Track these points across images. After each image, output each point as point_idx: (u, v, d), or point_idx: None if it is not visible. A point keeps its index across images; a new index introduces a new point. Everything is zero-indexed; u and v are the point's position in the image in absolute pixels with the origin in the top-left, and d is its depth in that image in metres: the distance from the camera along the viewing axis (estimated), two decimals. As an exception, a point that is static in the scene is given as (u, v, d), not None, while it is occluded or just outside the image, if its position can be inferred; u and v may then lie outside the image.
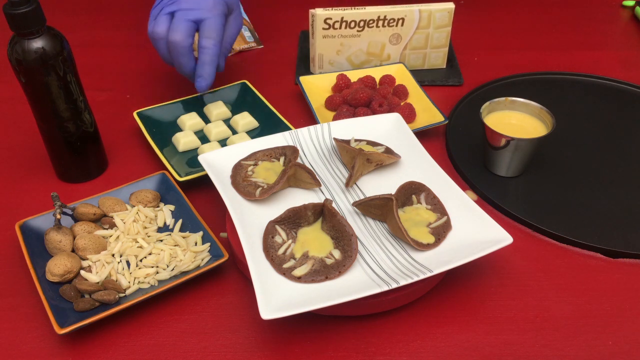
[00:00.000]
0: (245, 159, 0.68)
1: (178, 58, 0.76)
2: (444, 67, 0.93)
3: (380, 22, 0.86)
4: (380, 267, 0.57)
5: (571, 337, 0.57)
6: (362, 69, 0.88)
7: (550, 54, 0.98)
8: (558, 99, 0.86)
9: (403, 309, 0.59)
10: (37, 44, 0.62)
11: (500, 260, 0.64)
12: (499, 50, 0.99)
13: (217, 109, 0.81)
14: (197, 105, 0.83)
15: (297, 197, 0.65)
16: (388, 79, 0.86)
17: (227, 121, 0.81)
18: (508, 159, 0.71)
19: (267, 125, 0.79)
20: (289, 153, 0.68)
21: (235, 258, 0.62)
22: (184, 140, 0.76)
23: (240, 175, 0.66)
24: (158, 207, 0.68)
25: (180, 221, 0.66)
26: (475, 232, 0.60)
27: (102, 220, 0.66)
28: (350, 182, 0.66)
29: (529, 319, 0.58)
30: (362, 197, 0.66)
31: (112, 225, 0.65)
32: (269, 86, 0.89)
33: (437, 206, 0.63)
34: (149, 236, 0.64)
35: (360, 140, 0.70)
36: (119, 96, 0.89)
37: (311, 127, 0.72)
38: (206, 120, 0.81)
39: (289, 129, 0.77)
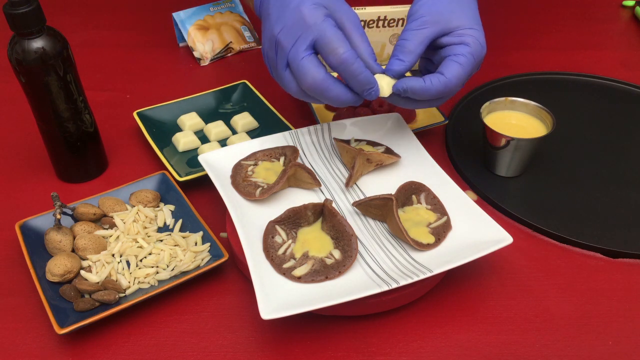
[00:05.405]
0: (245, 159, 0.68)
1: (323, 96, 0.59)
2: (444, 67, 0.92)
3: (380, 23, 0.86)
4: (380, 267, 0.57)
5: (571, 337, 0.57)
6: (362, 69, 0.88)
7: (550, 54, 0.97)
8: (558, 99, 0.86)
9: (403, 309, 0.59)
10: (37, 44, 0.62)
11: (500, 260, 0.64)
12: (499, 50, 0.98)
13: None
14: (199, 106, 0.83)
15: (297, 197, 0.65)
16: (388, 79, 0.86)
17: (227, 121, 0.81)
18: (508, 159, 0.71)
19: (267, 125, 0.79)
20: (289, 153, 0.68)
21: (235, 258, 0.62)
22: (184, 140, 0.76)
23: (240, 175, 0.66)
24: (158, 207, 0.68)
25: (180, 221, 0.66)
26: (475, 232, 0.60)
27: (102, 220, 0.66)
28: (350, 182, 0.66)
29: (529, 319, 0.58)
30: (362, 197, 0.66)
31: (112, 225, 0.65)
32: (269, 86, 0.88)
33: (437, 206, 0.63)
34: (149, 236, 0.64)
35: (360, 140, 0.70)
36: (119, 96, 0.89)
37: (311, 127, 0.72)
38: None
39: (289, 129, 0.77)
